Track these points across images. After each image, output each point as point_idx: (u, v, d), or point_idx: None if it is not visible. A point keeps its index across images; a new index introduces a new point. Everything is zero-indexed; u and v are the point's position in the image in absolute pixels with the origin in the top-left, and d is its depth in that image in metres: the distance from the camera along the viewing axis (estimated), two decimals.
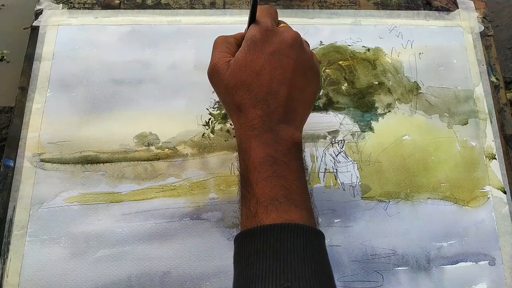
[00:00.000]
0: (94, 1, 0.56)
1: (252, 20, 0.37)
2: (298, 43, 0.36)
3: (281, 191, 0.32)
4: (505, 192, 0.51)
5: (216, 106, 0.52)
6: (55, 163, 0.48)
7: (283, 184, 0.32)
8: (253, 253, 0.30)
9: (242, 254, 0.31)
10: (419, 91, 0.55)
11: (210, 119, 0.51)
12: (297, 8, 0.58)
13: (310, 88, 0.37)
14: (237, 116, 0.35)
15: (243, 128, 0.34)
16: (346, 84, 0.54)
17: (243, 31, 0.40)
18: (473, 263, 0.48)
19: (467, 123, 0.54)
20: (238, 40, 0.39)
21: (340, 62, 0.55)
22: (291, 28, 0.38)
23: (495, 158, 0.52)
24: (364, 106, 0.53)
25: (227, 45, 0.38)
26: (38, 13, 0.55)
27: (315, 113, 0.53)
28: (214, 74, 0.37)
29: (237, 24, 0.56)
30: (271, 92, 0.34)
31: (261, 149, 0.33)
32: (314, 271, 0.29)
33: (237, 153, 0.36)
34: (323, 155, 0.51)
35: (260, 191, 0.32)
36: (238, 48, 0.37)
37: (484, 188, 0.51)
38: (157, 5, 0.56)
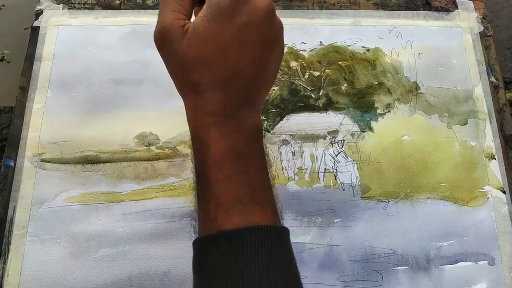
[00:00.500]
0: (95, 2, 0.56)
1: None
2: (271, 14, 0.30)
3: (245, 190, 0.28)
4: (504, 192, 0.51)
5: None
6: (55, 163, 0.48)
7: (247, 181, 0.29)
8: (210, 266, 0.27)
9: (200, 264, 0.29)
10: (419, 91, 0.55)
11: None
12: (297, 8, 0.58)
13: (274, 66, 0.32)
14: (192, 97, 0.30)
15: (200, 113, 0.29)
16: (345, 84, 0.54)
17: None
18: (473, 263, 0.48)
19: (467, 123, 0.54)
20: None
21: (340, 63, 0.55)
22: None
23: (495, 158, 0.52)
24: (363, 106, 0.54)
25: (181, 3, 0.31)
26: (39, 13, 0.55)
27: (315, 113, 0.53)
28: (164, 41, 0.30)
29: None
30: (236, 72, 0.29)
31: (222, 140, 0.29)
32: (279, 284, 0.27)
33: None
34: (323, 155, 0.51)
35: (220, 192, 0.28)
36: (192, 8, 0.32)
37: (484, 188, 0.51)
38: (158, 5, 0.56)
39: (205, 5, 0.30)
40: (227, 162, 0.29)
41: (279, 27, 0.32)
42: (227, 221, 0.28)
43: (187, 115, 0.31)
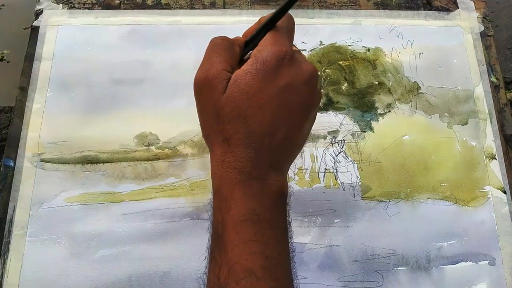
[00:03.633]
0: (94, 1, 0.56)
1: (270, 26, 0.31)
2: (314, 80, 0.30)
3: (259, 260, 0.26)
4: (505, 192, 0.51)
5: None
6: (55, 163, 0.48)
7: (264, 251, 0.27)
8: None
9: None
10: (419, 91, 0.55)
11: None
12: (297, 8, 0.58)
13: (306, 131, 0.32)
14: (221, 151, 0.29)
15: (226, 169, 0.28)
16: (346, 84, 0.54)
17: (242, 36, 0.34)
18: (473, 263, 0.48)
19: (467, 123, 0.54)
20: (240, 47, 0.32)
21: (340, 62, 0.55)
22: (306, 58, 0.32)
23: (495, 158, 0.52)
24: (364, 106, 0.54)
25: (232, 55, 0.30)
26: (38, 13, 0.55)
27: None
28: (206, 88, 0.29)
29: (237, 24, 0.56)
30: (270, 132, 0.29)
31: (245, 202, 0.28)
32: None
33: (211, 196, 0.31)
34: (323, 155, 0.51)
35: (235, 259, 0.26)
36: (238, 60, 0.31)
37: (484, 188, 0.51)
38: (157, 5, 0.56)
39: (250, 59, 0.29)
40: (246, 226, 0.27)
41: (319, 96, 0.32)
42: None
43: (212, 169, 0.30)
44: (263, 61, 0.29)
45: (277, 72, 0.29)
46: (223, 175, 0.28)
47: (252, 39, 0.32)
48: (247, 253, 0.26)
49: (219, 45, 0.31)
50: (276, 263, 0.27)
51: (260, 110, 0.28)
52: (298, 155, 0.49)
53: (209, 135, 0.30)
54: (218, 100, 0.29)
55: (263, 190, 0.28)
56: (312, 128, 0.49)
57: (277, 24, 0.31)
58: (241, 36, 0.34)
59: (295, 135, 0.30)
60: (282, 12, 0.31)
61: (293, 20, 0.32)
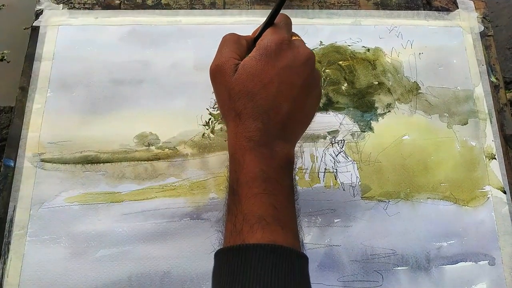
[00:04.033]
0: (95, 1, 0.56)
1: (270, 23, 0.36)
2: (311, 62, 0.35)
3: (269, 210, 0.31)
4: (504, 192, 0.51)
5: (216, 106, 0.52)
6: (55, 163, 0.48)
7: (273, 203, 0.31)
8: (234, 272, 0.29)
9: (222, 271, 0.30)
10: (419, 91, 0.55)
11: (210, 119, 0.51)
12: (297, 8, 0.58)
13: (310, 109, 0.37)
14: (234, 123, 0.34)
15: (239, 138, 0.33)
16: (346, 84, 0.54)
17: (251, 34, 0.39)
18: (473, 263, 0.48)
19: (467, 123, 0.54)
20: (249, 43, 0.38)
21: (340, 62, 0.55)
22: (305, 44, 0.36)
23: (495, 158, 0.52)
24: (364, 106, 0.54)
25: (239, 46, 0.36)
26: (39, 13, 0.55)
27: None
28: (218, 74, 0.35)
29: (237, 24, 0.56)
30: (274, 107, 0.33)
31: (255, 163, 0.32)
32: None
33: (228, 162, 0.35)
34: (323, 155, 0.51)
35: (248, 208, 0.31)
36: (246, 52, 0.36)
37: (484, 188, 0.51)
38: (157, 5, 0.56)
39: (255, 47, 0.35)
40: (256, 182, 0.32)
41: (317, 76, 0.37)
42: (251, 236, 0.30)
43: (228, 139, 0.35)
44: (265, 47, 0.34)
45: (277, 55, 0.34)
46: (236, 144, 0.33)
47: (259, 36, 0.37)
48: (259, 203, 0.31)
49: (227, 39, 0.37)
50: (284, 214, 0.32)
51: (264, 88, 0.33)
52: (299, 154, 0.50)
53: (225, 113, 0.36)
54: (229, 82, 0.34)
55: (271, 156, 0.33)
56: (312, 128, 0.50)
57: (275, 22, 0.36)
58: (251, 34, 0.39)
59: (297, 111, 0.35)
60: (277, 10, 0.35)
61: (288, 16, 0.37)
